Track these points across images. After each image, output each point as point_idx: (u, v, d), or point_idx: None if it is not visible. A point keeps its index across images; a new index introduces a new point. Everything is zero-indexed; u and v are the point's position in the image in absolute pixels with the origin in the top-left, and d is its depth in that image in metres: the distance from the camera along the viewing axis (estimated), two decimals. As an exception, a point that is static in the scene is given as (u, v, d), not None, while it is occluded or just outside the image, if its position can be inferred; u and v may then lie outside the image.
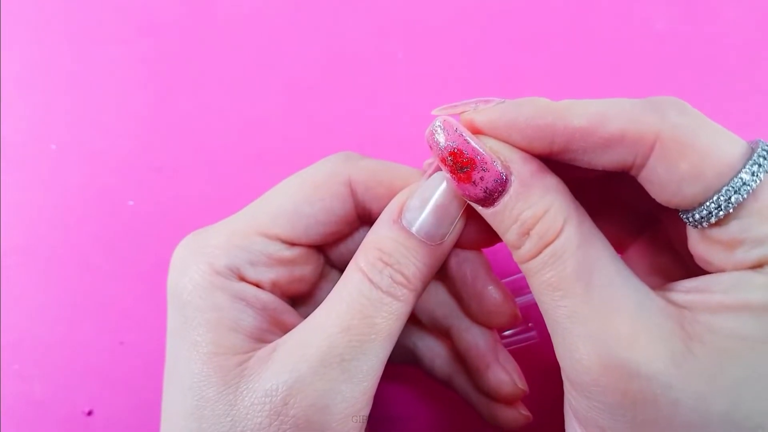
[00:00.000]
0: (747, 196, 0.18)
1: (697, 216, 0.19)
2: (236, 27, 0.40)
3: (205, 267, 0.24)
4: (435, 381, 0.30)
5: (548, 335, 0.34)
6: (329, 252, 0.28)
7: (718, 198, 0.19)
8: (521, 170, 0.21)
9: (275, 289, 0.25)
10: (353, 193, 0.25)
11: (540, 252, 0.20)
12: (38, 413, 0.35)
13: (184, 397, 0.22)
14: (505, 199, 0.21)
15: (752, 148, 0.20)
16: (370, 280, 0.22)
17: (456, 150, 0.21)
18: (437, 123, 0.21)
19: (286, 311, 0.25)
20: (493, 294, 0.26)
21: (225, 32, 0.40)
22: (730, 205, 0.18)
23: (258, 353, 0.22)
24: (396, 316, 0.22)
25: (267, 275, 0.25)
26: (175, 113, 0.39)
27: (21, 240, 0.37)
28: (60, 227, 0.37)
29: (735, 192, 0.18)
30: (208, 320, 0.23)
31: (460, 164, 0.21)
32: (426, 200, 0.23)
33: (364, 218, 0.26)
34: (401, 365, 0.34)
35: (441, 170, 0.23)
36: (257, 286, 0.25)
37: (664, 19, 0.38)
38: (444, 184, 0.23)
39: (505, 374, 0.27)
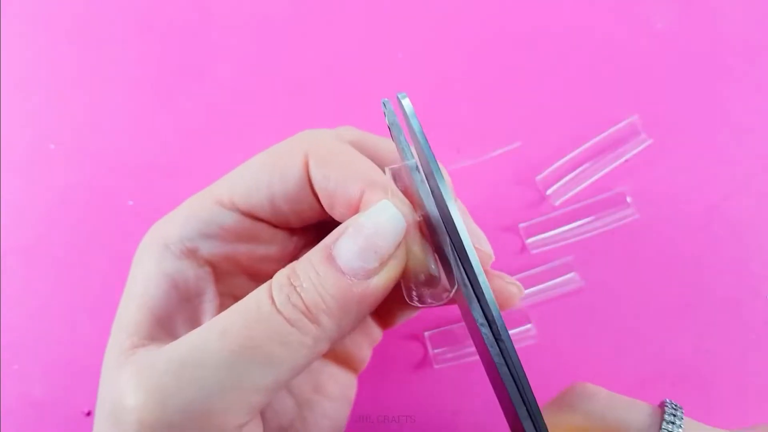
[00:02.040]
0: None
1: None
2: (237, 27, 0.40)
3: (156, 237, 0.23)
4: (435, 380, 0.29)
5: (548, 335, 0.34)
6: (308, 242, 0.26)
7: None
8: None
9: (232, 265, 0.24)
10: (308, 165, 0.23)
11: None
12: (38, 413, 0.35)
13: None
14: None
15: (661, 409, 0.21)
16: (270, 296, 0.20)
17: None
18: None
19: (211, 309, 0.24)
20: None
21: (225, 32, 0.40)
22: None
23: (153, 346, 0.21)
24: (283, 341, 0.19)
25: (222, 249, 0.24)
26: (175, 113, 0.39)
27: (21, 240, 0.37)
28: (60, 227, 0.37)
29: None
30: (129, 292, 0.23)
31: None
32: (358, 225, 0.20)
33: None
34: (400, 367, 0.34)
35: (388, 198, 0.21)
36: (210, 262, 0.24)
37: (664, 19, 0.38)
38: (381, 214, 0.20)
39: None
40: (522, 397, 0.19)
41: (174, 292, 0.23)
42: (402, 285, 0.21)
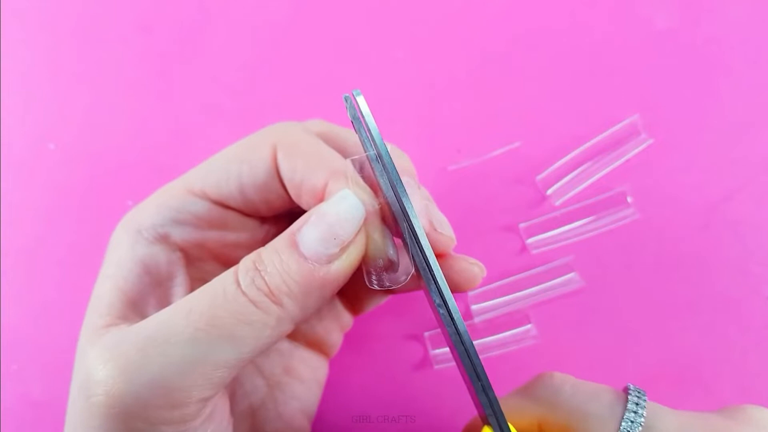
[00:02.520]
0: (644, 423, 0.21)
1: None
2: (237, 27, 0.40)
3: (129, 223, 0.24)
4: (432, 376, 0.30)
5: (548, 335, 0.34)
6: (275, 230, 0.28)
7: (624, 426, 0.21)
8: None
9: (203, 251, 0.25)
10: (276, 156, 0.24)
11: None
12: (38, 413, 0.35)
13: None
14: None
15: (624, 395, 0.22)
16: (236, 279, 0.21)
17: None
18: None
19: (182, 293, 0.25)
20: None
21: (226, 33, 0.40)
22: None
23: (124, 325, 0.22)
24: (247, 320, 0.20)
25: (193, 235, 0.25)
26: (175, 113, 0.39)
27: (21, 240, 0.37)
28: (60, 227, 0.37)
29: (632, 421, 0.21)
30: (103, 275, 0.24)
31: None
32: (320, 213, 0.21)
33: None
34: (400, 367, 0.34)
35: (349, 187, 0.21)
36: (181, 248, 0.25)
37: (664, 19, 0.38)
38: (342, 203, 0.21)
39: (437, 235, 0.24)
40: (476, 372, 0.20)
41: (146, 275, 0.24)
42: (362, 269, 0.22)
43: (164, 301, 0.25)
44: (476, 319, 0.34)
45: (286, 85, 0.39)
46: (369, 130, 0.20)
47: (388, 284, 0.22)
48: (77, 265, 0.37)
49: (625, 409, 0.21)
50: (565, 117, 0.37)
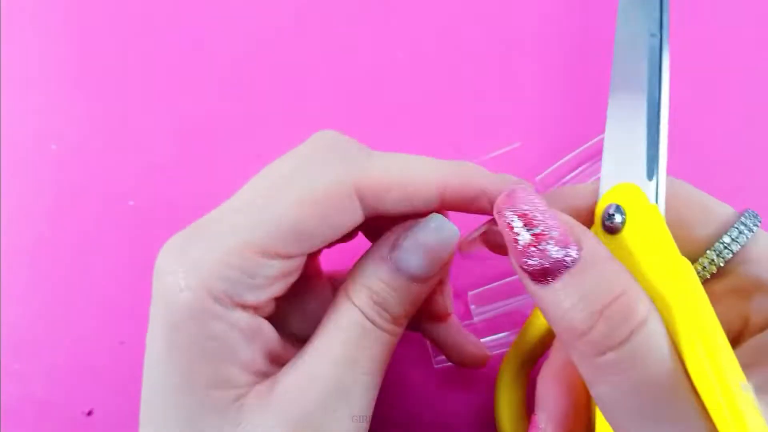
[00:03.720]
0: (750, 237, 0.22)
1: (712, 256, 0.23)
2: (233, 27, 0.40)
3: (201, 292, 0.21)
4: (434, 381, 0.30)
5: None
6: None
7: (730, 233, 0.22)
8: (595, 248, 0.19)
9: (270, 303, 0.24)
10: (361, 200, 0.23)
11: (626, 339, 0.17)
12: (38, 413, 0.35)
13: None
14: (571, 273, 0.18)
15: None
16: (365, 315, 0.23)
17: (527, 213, 0.20)
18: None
19: (281, 344, 0.24)
20: (469, 350, 0.30)
21: (222, 32, 0.40)
22: (737, 243, 0.22)
23: (257, 387, 0.22)
24: (389, 348, 0.24)
25: (265, 294, 0.23)
26: (175, 113, 0.39)
27: (21, 240, 0.37)
28: (60, 227, 0.37)
29: (740, 232, 0.22)
30: (204, 350, 0.21)
31: (528, 227, 0.19)
32: (419, 242, 0.23)
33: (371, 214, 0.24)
34: (400, 367, 0.34)
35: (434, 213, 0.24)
36: (254, 307, 0.23)
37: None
38: (440, 229, 0.23)
39: (476, 350, 0.30)
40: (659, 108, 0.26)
41: (242, 339, 0.22)
42: None
43: (273, 355, 0.24)
44: (476, 319, 0.34)
45: (286, 84, 0.39)
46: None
47: None
48: (78, 265, 0.37)
49: (740, 218, 0.23)
50: (565, 117, 0.37)
